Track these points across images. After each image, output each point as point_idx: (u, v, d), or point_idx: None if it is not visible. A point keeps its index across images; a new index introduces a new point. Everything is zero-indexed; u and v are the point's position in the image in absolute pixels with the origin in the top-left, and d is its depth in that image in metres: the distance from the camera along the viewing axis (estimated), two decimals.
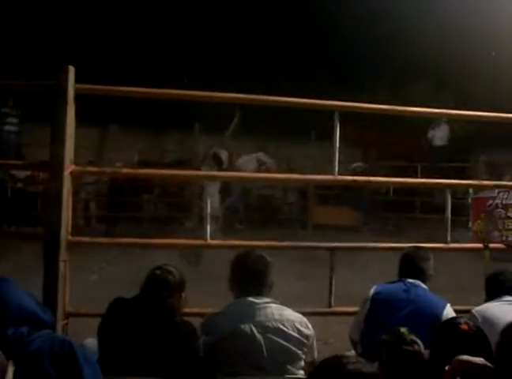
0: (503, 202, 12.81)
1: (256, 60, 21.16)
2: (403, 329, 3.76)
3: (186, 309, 4.59)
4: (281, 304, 4.53)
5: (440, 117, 15.75)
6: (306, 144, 18.65)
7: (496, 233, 12.86)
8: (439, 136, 18.04)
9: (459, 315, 4.66)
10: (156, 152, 20.12)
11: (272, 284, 4.58)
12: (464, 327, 3.82)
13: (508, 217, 12.96)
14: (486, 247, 6.00)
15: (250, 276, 4.50)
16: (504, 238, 11.68)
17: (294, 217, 17.58)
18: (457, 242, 6.76)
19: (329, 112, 5.86)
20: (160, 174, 6.70)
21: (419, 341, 3.74)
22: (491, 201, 13.22)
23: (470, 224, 13.78)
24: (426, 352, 3.96)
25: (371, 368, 2.75)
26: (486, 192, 11.98)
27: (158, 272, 4.40)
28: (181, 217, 16.54)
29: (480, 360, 3.52)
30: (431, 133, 18.14)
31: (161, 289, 4.29)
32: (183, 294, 4.45)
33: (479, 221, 13.69)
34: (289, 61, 21.48)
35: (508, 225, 12.97)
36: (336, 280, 5.97)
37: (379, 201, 18.06)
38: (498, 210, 13.03)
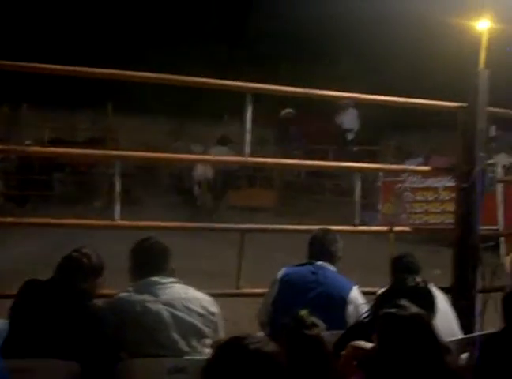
0: (412, 186, 13.13)
1: (169, 39, 21.00)
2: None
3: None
4: (189, 284, 4.53)
5: (348, 101, 15.99)
6: (220, 126, 18.64)
7: (404, 216, 13.14)
8: (347, 120, 18.19)
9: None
10: (68, 131, 19.82)
11: (172, 270, 4.56)
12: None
13: (416, 201, 13.30)
14: (391, 230, 6.09)
15: (148, 261, 4.48)
16: (411, 221, 11.96)
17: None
18: (367, 224, 6.88)
19: (242, 94, 5.84)
20: (67, 153, 6.54)
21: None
22: (399, 185, 13.54)
23: (380, 207, 14.10)
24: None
25: (273, 347, 2.74)
26: (395, 175, 12.24)
27: (74, 254, 4.35)
28: (91, 196, 16.33)
29: (369, 345, 3.58)
30: (339, 118, 18.28)
31: (75, 272, 4.23)
32: (99, 279, 4.39)
33: (388, 204, 14.01)
34: (205, 41, 21.38)
35: (415, 208, 13.31)
36: (246, 262, 6.00)
37: (292, 183, 18.19)
38: (406, 193, 13.34)
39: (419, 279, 4.02)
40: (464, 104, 6.27)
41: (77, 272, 4.24)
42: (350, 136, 18.10)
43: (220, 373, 2.64)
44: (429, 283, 4.29)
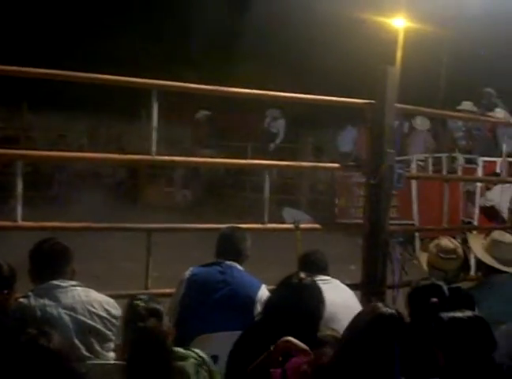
0: (358, 180, 13.20)
1: (82, 33, 20.72)
2: (138, 301, 3.61)
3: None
4: (101, 285, 4.46)
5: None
6: (138, 123, 18.47)
7: (353, 210, 13.26)
8: (275, 127, 18.31)
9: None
10: None
11: (73, 271, 4.47)
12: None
13: (360, 195, 13.40)
14: (297, 228, 6.11)
15: (47, 263, 4.39)
16: (357, 215, 11.94)
17: (123, 196, 17.30)
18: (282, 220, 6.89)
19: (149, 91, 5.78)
20: None
21: (159, 310, 3.60)
22: (352, 179, 13.68)
23: (336, 201, 14.30)
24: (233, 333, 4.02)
25: (54, 340, 2.70)
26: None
27: None
28: (5, 196, 15.95)
29: (303, 345, 3.56)
30: (267, 122, 18.36)
31: None
32: (6, 291, 4.24)
33: (342, 198, 14.21)
34: (121, 35, 21.12)
35: (359, 203, 13.40)
36: (160, 261, 5.93)
37: (212, 181, 18.14)
38: (354, 188, 13.46)
39: (303, 275, 4.00)
40: (373, 101, 6.32)
41: None
42: (271, 147, 18.17)
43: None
44: (332, 281, 4.31)
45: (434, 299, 4.14)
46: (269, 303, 4.11)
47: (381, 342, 3.24)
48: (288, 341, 3.58)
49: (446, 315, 3.46)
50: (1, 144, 15.65)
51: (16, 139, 17.61)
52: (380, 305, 3.44)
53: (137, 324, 3.46)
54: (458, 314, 3.45)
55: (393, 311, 3.38)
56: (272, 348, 3.62)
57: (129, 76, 5.82)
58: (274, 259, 9.76)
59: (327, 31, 17.48)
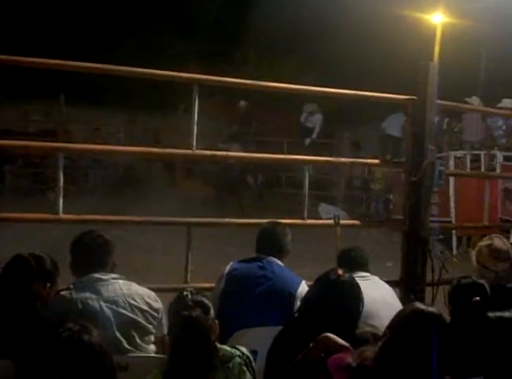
0: None
1: (118, 29, 20.81)
2: (186, 292, 3.65)
3: None
4: (140, 279, 4.47)
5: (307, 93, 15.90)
6: (175, 117, 18.52)
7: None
8: (311, 123, 18.28)
9: None
10: (20, 122, 19.54)
11: (114, 264, 4.49)
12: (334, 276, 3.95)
13: None
14: (337, 223, 6.07)
15: (88, 255, 4.40)
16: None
17: (160, 189, 17.35)
18: (318, 216, 6.88)
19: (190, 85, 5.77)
20: (16, 145, 6.41)
21: (206, 304, 3.64)
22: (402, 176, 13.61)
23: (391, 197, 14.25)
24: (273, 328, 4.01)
25: (92, 336, 2.69)
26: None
27: (25, 254, 4.24)
28: (43, 189, 16.11)
29: (343, 342, 3.54)
30: (304, 117, 18.34)
31: (22, 272, 4.11)
32: (49, 285, 4.27)
33: (396, 194, 14.18)
34: (156, 31, 21.21)
35: None
36: (197, 255, 5.93)
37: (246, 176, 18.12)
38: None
39: (341, 271, 3.99)
40: (414, 97, 6.27)
41: (24, 272, 4.12)
42: (313, 135, 18.15)
43: (40, 361, 2.60)
44: (372, 277, 4.27)
45: (477, 298, 4.09)
46: (307, 299, 4.12)
47: (420, 340, 3.21)
48: (327, 337, 3.57)
49: (493, 314, 3.41)
50: (40, 137, 15.85)
51: (53, 132, 17.77)
52: (419, 303, 3.42)
53: (183, 313, 3.50)
54: (506, 314, 3.40)
55: (433, 309, 3.35)
56: (312, 345, 3.60)
57: (168, 70, 5.81)
58: (312, 255, 9.76)
59: (365, 27, 17.40)
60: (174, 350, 3.51)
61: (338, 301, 3.81)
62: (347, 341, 3.57)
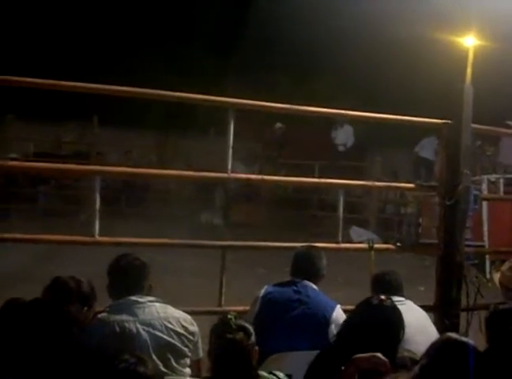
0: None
1: (157, 51, 20.97)
2: (231, 315, 3.66)
3: None
4: (172, 301, 4.48)
5: (342, 117, 15.92)
6: (206, 140, 18.61)
7: (434, 230, 13.09)
8: (343, 136, 18.28)
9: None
10: (53, 143, 19.73)
11: (150, 287, 4.50)
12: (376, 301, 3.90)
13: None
14: (371, 248, 6.05)
15: (125, 278, 4.43)
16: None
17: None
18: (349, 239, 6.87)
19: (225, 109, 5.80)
20: (50, 168, 6.49)
21: (249, 329, 3.66)
22: (434, 198, 13.51)
23: (420, 220, 14.19)
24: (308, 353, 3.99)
25: (146, 368, 2.69)
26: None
27: (64, 277, 4.32)
28: (76, 210, 16.21)
29: (373, 355, 3.52)
30: (334, 133, 18.36)
31: (61, 295, 4.17)
32: (87, 308, 4.32)
33: (426, 218, 14.08)
34: (189, 53, 21.35)
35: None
36: (230, 278, 5.93)
37: (278, 198, 18.14)
38: (436, 207, 13.28)
39: (383, 297, 3.95)
40: (449, 121, 6.25)
41: (63, 295, 4.17)
42: (341, 149, 18.15)
43: None
44: (406, 302, 4.25)
45: None
46: (347, 324, 4.06)
47: (453, 370, 3.19)
48: (357, 358, 3.55)
49: None
50: (73, 159, 16.01)
51: (86, 154, 17.93)
52: (452, 333, 3.40)
53: (226, 335, 3.54)
54: None
55: (466, 339, 3.33)
56: (344, 367, 3.59)
57: (201, 93, 5.86)
58: (344, 279, 9.73)
59: (398, 49, 17.40)
60: (216, 373, 3.54)
61: (380, 327, 3.78)
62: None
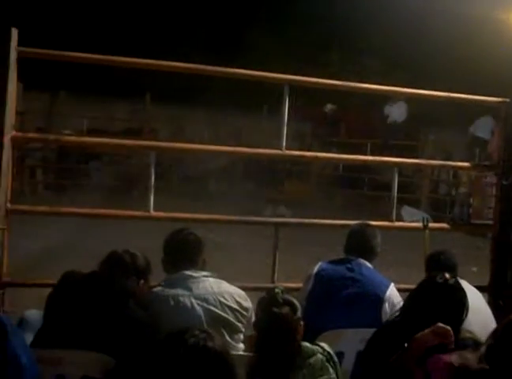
0: (492, 181, 12.91)
1: (200, 27, 20.96)
2: (278, 290, 3.65)
3: None
4: (224, 278, 4.51)
5: (397, 95, 15.73)
6: (259, 118, 18.61)
7: (486, 210, 13.03)
8: (396, 113, 18.11)
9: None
10: (106, 120, 19.93)
11: (204, 261, 4.53)
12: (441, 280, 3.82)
13: (492, 195, 13.11)
14: (425, 227, 6.00)
15: (180, 253, 4.45)
16: (490, 216, 11.73)
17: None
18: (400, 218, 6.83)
19: (280, 85, 5.78)
20: (104, 143, 6.56)
21: (295, 304, 3.65)
22: (486, 179, 13.42)
23: (471, 201, 14.13)
24: (362, 330, 3.95)
25: (216, 342, 2.68)
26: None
27: (120, 251, 4.37)
28: (129, 185, 16.39)
29: (436, 327, 3.50)
30: (387, 109, 18.19)
31: (116, 269, 4.22)
32: (142, 282, 4.37)
33: (477, 198, 14.01)
34: (245, 33, 21.32)
35: (492, 203, 13.14)
36: (282, 255, 5.94)
37: (328, 177, 18.11)
38: (488, 188, 13.18)
39: (448, 275, 3.88)
40: (507, 99, 6.15)
41: (119, 269, 4.22)
42: (399, 120, 18.01)
43: (160, 366, 2.61)
44: (460, 280, 4.20)
45: None
46: (410, 302, 3.99)
47: None
48: (438, 327, 3.52)
49: None
50: (125, 135, 16.15)
51: (139, 130, 18.07)
52: None
53: (272, 309, 3.54)
54: None
55: None
56: (409, 344, 3.56)
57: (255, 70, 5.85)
58: (394, 257, 9.68)
59: (451, 28, 17.17)
60: (259, 345, 3.56)
61: (444, 305, 3.73)
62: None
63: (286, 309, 3.57)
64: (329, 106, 18.33)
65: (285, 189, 16.97)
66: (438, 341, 3.50)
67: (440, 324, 3.51)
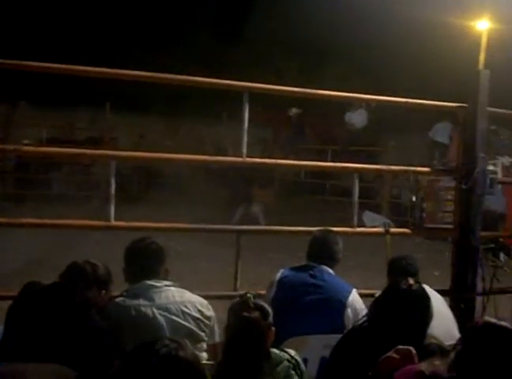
0: (446, 185, 13.01)
1: (164, 39, 20.91)
2: (250, 294, 3.68)
3: None
4: (186, 286, 4.49)
5: (357, 101, 15.82)
6: (219, 125, 18.61)
7: (440, 214, 13.12)
8: (357, 119, 18.22)
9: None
10: (66, 129, 19.79)
11: (166, 271, 4.51)
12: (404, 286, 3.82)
13: (448, 200, 13.24)
14: (387, 232, 6.03)
15: (142, 262, 4.43)
16: (444, 220, 11.84)
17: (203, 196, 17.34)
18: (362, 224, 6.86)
19: (240, 93, 5.78)
20: (63, 153, 6.48)
21: (266, 309, 3.68)
22: (439, 183, 13.51)
23: (424, 205, 14.18)
24: (326, 336, 3.96)
25: (188, 352, 2.68)
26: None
27: (80, 262, 4.32)
28: (89, 196, 16.26)
29: (396, 350, 3.49)
30: (348, 116, 18.30)
31: (77, 280, 4.17)
32: (104, 292, 4.33)
33: (430, 202, 14.09)
34: (198, 37, 21.27)
35: (447, 207, 13.26)
36: (244, 263, 5.93)
37: (290, 183, 18.14)
38: (442, 192, 13.28)
39: (412, 281, 3.89)
40: (465, 104, 6.22)
41: (80, 280, 4.17)
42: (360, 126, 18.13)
43: (132, 377, 2.59)
44: (423, 285, 4.22)
45: None
46: (375, 309, 4.00)
47: (496, 355, 3.17)
48: (389, 358, 3.50)
49: None
50: (86, 144, 16.04)
51: (99, 140, 17.97)
52: (491, 319, 3.37)
53: (243, 313, 3.57)
54: None
55: (506, 324, 3.30)
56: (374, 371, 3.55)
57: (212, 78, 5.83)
58: (355, 262, 9.69)
59: (411, 35, 17.31)
60: (227, 350, 3.57)
61: (409, 312, 3.74)
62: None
63: (256, 314, 3.59)
64: (293, 110, 18.38)
65: (252, 194, 16.87)
66: (403, 363, 3.49)
67: (400, 347, 3.50)
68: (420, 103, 6.48)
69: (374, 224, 9.35)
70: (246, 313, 3.57)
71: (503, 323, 3.28)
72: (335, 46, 19.74)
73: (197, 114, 19.43)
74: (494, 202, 13.08)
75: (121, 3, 21.06)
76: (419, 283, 3.95)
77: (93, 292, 4.21)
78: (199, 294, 4.55)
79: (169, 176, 18.33)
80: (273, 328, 3.70)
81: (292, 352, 3.82)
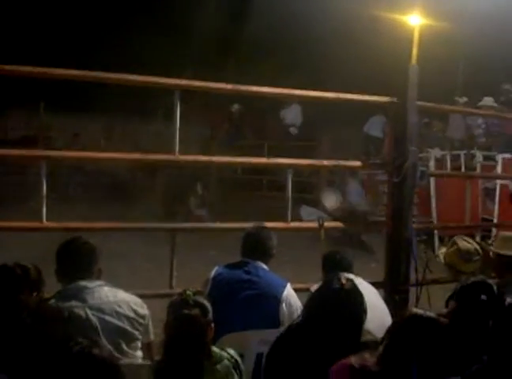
0: (382, 178, 13.11)
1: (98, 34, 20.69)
2: (189, 292, 3.71)
3: None
4: (123, 286, 4.47)
5: (289, 98, 15.89)
6: (154, 123, 18.51)
7: (380, 207, 13.22)
8: (290, 115, 18.33)
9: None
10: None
11: (99, 271, 4.47)
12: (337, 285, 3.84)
13: (384, 192, 13.32)
14: (321, 226, 6.09)
15: (74, 263, 4.39)
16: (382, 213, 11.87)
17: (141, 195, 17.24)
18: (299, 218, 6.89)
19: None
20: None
21: (206, 306, 3.71)
22: (377, 177, 13.62)
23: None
24: (262, 331, 3.99)
25: (102, 350, 2.69)
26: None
27: (10, 264, 4.21)
28: (24, 196, 16.00)
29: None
30: (283, 113, 18.40)
31: (9, 283, 4.08)
32: (35, 294, 4.26)
33: (369, 195, 14.20)
34: (132, 35, 21.09)
35: (385, 200, 13.33)
36: (180, 260, 5.93)
37: (228, 180, 18.12)
38: (380, 186, 13.38)
39: (344, 279, 3.89)
40: (395, 99, 6.31)
41: (10, 282, 4.11)
42: (293, 132, 18.22)
43: (48, 376, 2.60)
44: (356, 280, 4.26)
45: (484, 296, 4.09)
46: (309, 308, 4.01)
47: (420, 345, 3.23)
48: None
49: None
50: (20, 144, 15.78)
51: (34, 139, 17.71)
52: (417, 310, 3.43)
53: (183, 310, 3.57)
54: None
55: (431, 314, 3.37)
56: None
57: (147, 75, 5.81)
58: (290, 257, 9.74)
59: (343, 30, 17.43)
60: (167, 348, 3.57)
61: (343, 310, 3.76)
62: (352, 349, 3.54)
63: (196, 311, 3.61)
64: (235, 106, 18.39)
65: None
66: None
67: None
68: (351, 98, 6.55)
69: (311, 218, 9.39)
70: (186, 311, 3.58)
71: (429, 313, 3.35)
72: (267, 42, 19.79)
73: (133, 112, 19.29)
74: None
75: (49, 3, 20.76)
76: (352, 281, 3.98)
77: (25, 295, 4.15)
78: (135, 294, 4.53)
79: (106, 174, 18.13)
80: (213, 325, 3.71)
81: (232, 351, 3.85)
